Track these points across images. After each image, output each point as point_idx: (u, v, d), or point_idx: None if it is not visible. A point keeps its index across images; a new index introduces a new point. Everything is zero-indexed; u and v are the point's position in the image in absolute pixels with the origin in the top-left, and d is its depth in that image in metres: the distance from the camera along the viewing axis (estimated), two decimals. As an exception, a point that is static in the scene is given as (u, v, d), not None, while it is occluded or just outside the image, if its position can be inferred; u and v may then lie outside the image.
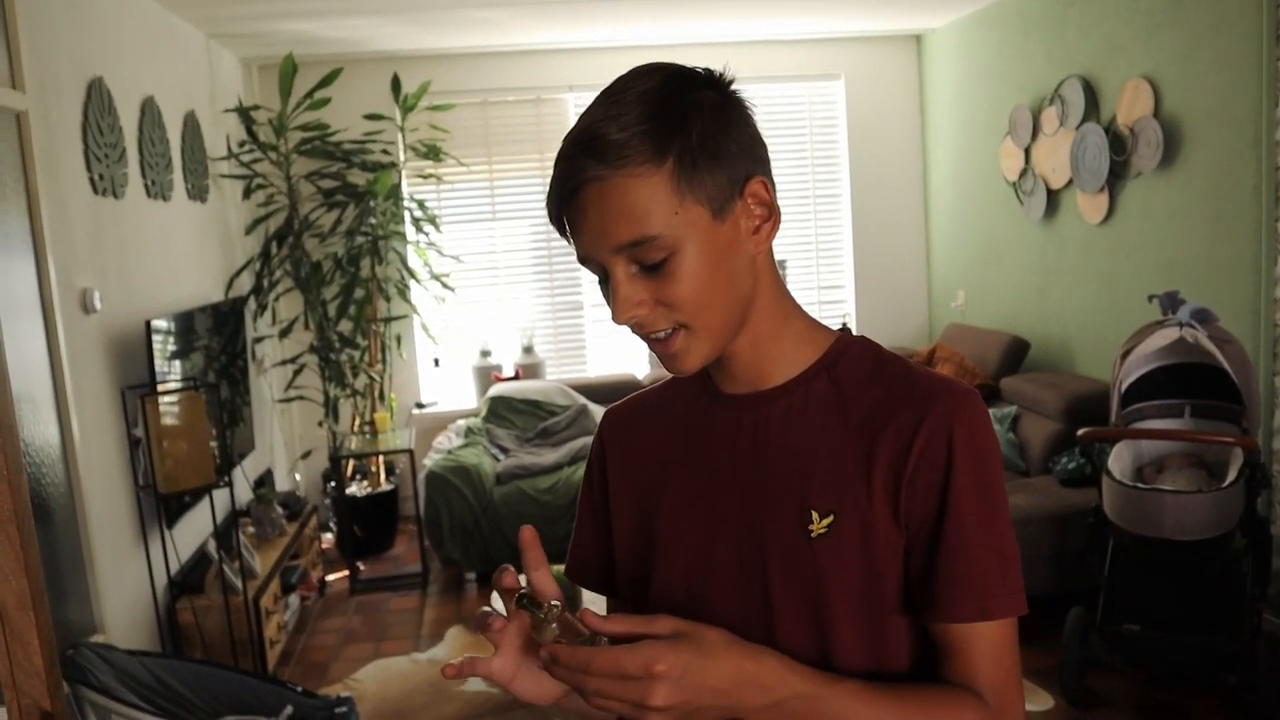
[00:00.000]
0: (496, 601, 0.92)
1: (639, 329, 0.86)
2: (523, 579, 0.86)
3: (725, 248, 0.84)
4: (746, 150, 0.85)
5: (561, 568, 1.14)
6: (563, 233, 0.86)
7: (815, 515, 0.86)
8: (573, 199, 0.82)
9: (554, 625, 0.78)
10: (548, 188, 0.85)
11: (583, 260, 0.86)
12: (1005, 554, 0.85)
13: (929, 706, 0.83)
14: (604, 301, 0.87)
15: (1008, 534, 0.86)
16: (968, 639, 0.85)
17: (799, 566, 0.87)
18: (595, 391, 5.11)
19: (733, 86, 0.87)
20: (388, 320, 4.97)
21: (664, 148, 0.80)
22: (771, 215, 0.86)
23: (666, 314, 0.84)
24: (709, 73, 0.86)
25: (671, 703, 0.75)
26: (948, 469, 0.84)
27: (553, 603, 0.79)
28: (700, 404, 0.96)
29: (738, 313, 0.87)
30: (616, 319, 0.85)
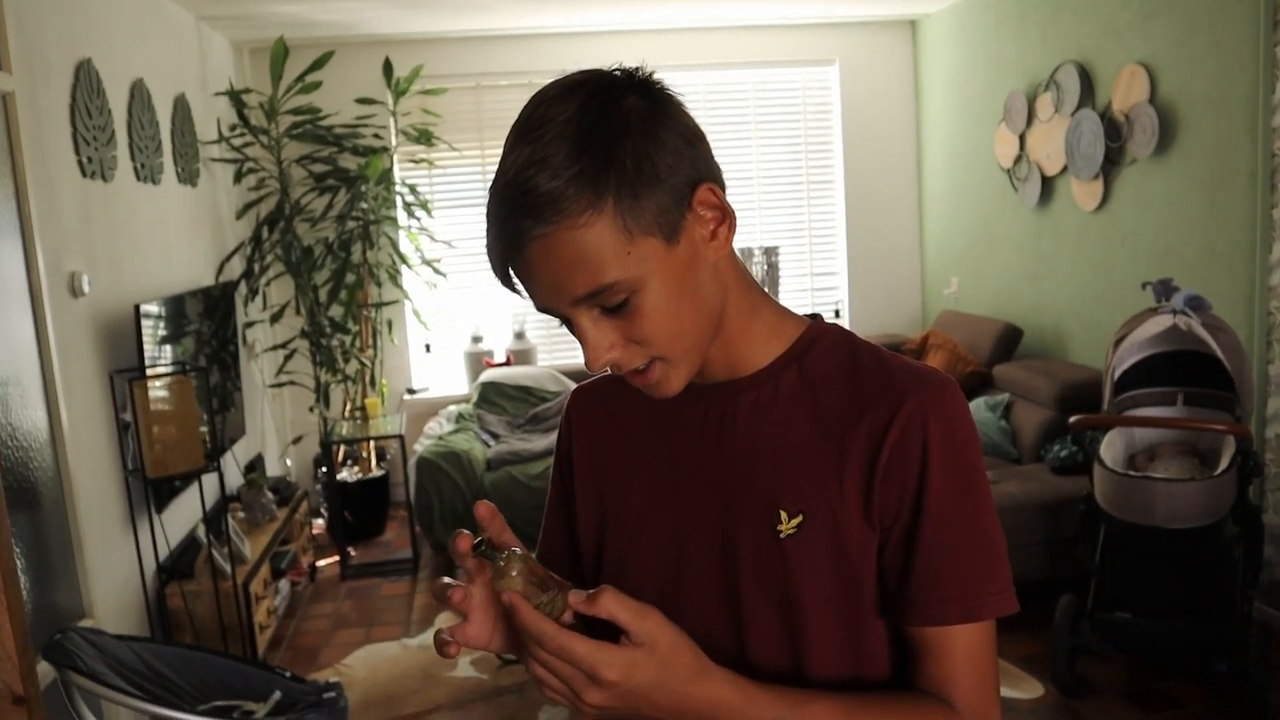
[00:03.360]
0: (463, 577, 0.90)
1: (615, 369, 0.83)
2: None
3: (686, 268, 0.79)
4: (683, 156, 0.78)
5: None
6: (510, 287, 0.81)
7: (784, 515, 0.83)
8: (517, 257, 0.77)
9: (514, 574, 0.75)
10: (486, 241, 0.79)
11: (541, 310, 0.81)
12: (994, 550, 0.82)
13: None
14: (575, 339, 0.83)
15: (994, 529, 0.83)
16: (943, 643, 0.81)
17: (768, 567, 0.83)
18: (586, 378, 5.08)
19: (655, 79, 0.80)
20: (379, 305, 4.95)
21: (600, 188, 0.74)
22: (725, 218, 0.81)
23: (640, 351, 0.81)
24: (628, 75, 0.79)
25: (603, 705, 0.74)
26: (923, 463, 0.80)
27: (512, 549, 0.76)
28: None
29: (711, 326, 0.84)
30: (591, 366, 0.81)
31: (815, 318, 0.92)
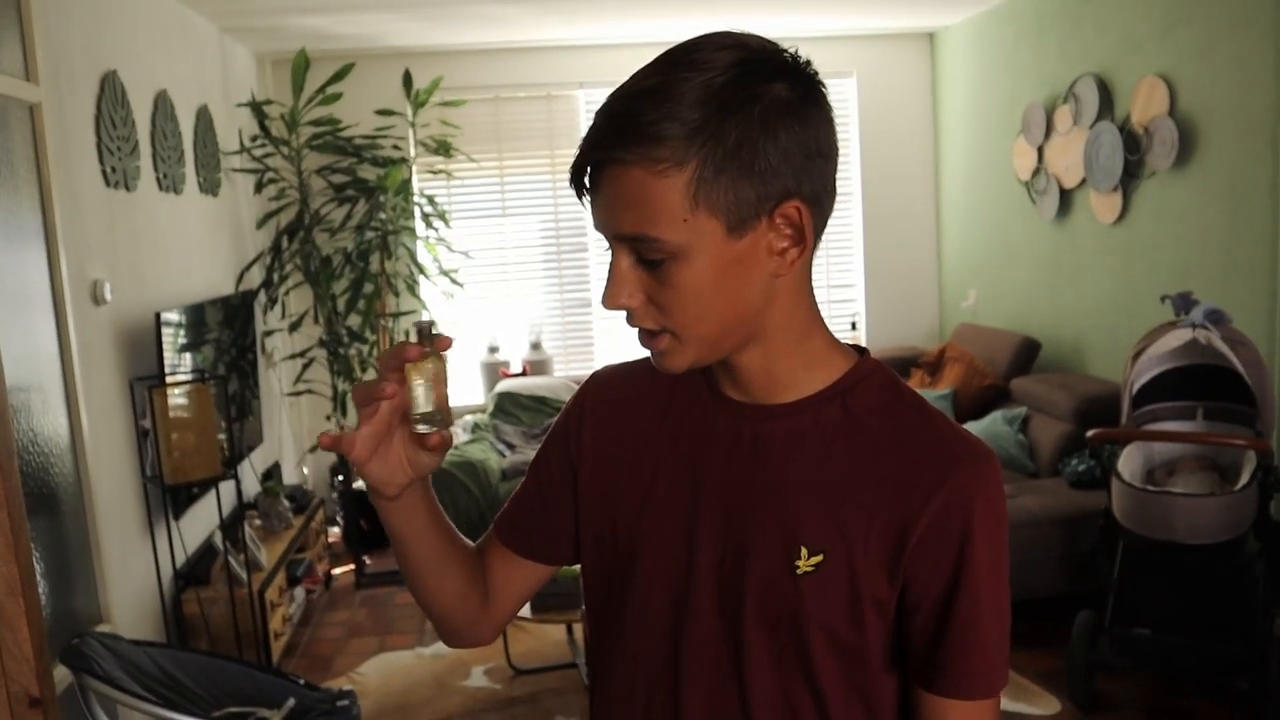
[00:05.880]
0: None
1: (628, 317, 0.83)
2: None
3: (736, 263, 0.78)
4: (791, 163, 0.76)
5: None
6: (580, 195, 0.82)
7: (804, 551, 0.82)
8: (595, 171, 0.78)
9: (428, 365, 0.82)
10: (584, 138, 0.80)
11: (596, 227, 0.83)
12: (1006, 629, 0.84)
13: None
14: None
15: (1009, 607, 0.85)
16: (961, 715, 0.84)
17: (776, 598, 0.84)
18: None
19: (817, 80, 0.79)
20: (397, 315, 4.97)
21: (692, 149, 0.74)
22: (801, 240, 0.79)
23: (657, 315, 0.81)
24: (795, 64, 0.78)
25: None
26: (964, 541, 0.80)
27: (442, 355, 0.83)
28: (701, 400, 0.91)
29: (737, 329, 0.82)
30: (604, 303, 0.82)
31: (863, 352, 0.91)
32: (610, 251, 0.82)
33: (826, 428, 0.85)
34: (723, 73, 0.75)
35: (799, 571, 0.82)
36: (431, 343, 0.81)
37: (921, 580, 0.82)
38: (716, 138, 0.74)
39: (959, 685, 0.83)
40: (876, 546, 0.82)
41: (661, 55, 0.78)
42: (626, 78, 0.79)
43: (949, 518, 0.80)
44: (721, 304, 0.79)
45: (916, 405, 0.87)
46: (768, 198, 0.76)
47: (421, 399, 0.81)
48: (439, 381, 0.82)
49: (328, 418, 4.98)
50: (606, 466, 0.95)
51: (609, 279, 0.81)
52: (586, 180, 0.80)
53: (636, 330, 0.84)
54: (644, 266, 0.79)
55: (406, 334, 0.92)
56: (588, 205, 0.81)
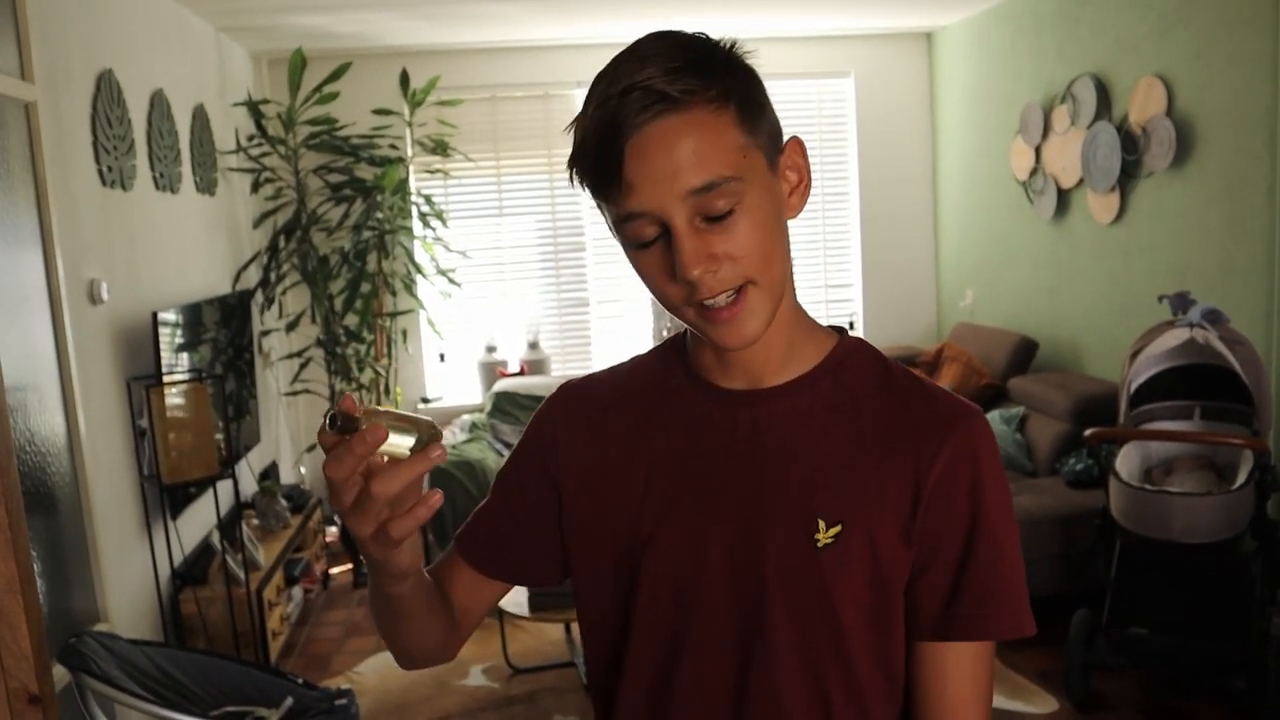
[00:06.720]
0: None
1: (700, 292, 0.78)
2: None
3: (778, 201, 0.81)
4: (774, 114, 0.83)
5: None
6: (600, 192, 0.78)
7: (822, 524, 0.83)
8: (631, 146, 0.74)
9: (381, 421, 0.73)
10: (583, 143, 0.77)
11: (625, 219, 0.77)
12: (1023, 572, 0.86)
13: None
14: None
15: (1021, 555, 0.87)
16: (962, 661, 0.84)
17: (802, 576, 0.83)
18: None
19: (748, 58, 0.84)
20: (394, 315, 4.97)
21: (728, 89, 0.76)
22: (802, 182, 0.83)
23: (733, 269, 0.77)
24: (729, 45, 0.83)
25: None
26: (975, 487, 0.83)
27: (372, 408, 0.74)
28: (687, 394, 0.90)
29: (789, 275, 0.84)
30: (688, 271, 0.76)
31: (841, 331, 0.92)
32: (641, 242, 0.78)
33: (824, 403, 0.86)
34: (691, 40, 0.80)
35: (820, 545, 0.82)
36: (353, 421, 0.72)
37: (938, 534, 0.83)
38: (737, 78, 0.78)
39: (988, 626, 0.83)
40: (890, 509, 0.83)
41: (613, 66, 0.78)
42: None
43: (956, 469, 0.83)
44: (779, 247, 0.81)
45: (906, 374, 0.90)
46: (778, 135, 0.82)
47: (405, 444, 0.73)
48: (393, 420, 0.73)
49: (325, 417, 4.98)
50: (593, 479, 0.92)
51: (680, 250, 0.75)
52: (609, 175, 0.76)
53: (701, 308, 0.79)
54: (705, 225, 0.76)
55: (327, 423, 0.80)
56: (607, 199, 0.77)
